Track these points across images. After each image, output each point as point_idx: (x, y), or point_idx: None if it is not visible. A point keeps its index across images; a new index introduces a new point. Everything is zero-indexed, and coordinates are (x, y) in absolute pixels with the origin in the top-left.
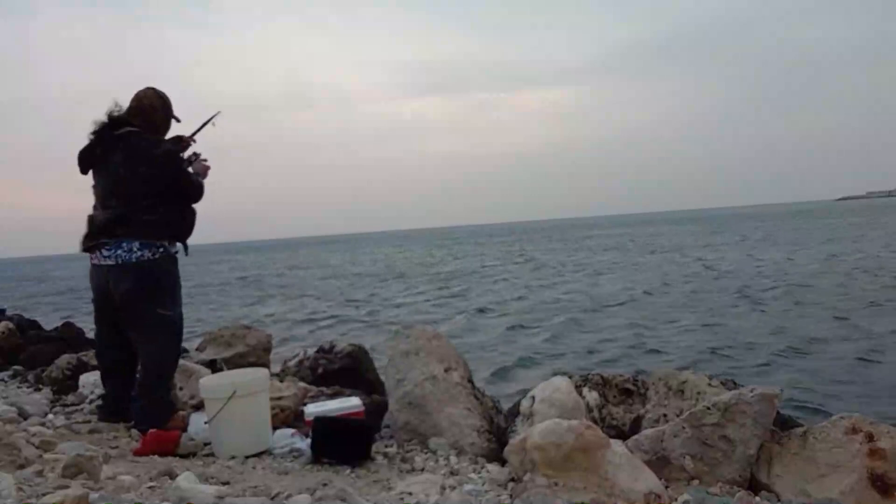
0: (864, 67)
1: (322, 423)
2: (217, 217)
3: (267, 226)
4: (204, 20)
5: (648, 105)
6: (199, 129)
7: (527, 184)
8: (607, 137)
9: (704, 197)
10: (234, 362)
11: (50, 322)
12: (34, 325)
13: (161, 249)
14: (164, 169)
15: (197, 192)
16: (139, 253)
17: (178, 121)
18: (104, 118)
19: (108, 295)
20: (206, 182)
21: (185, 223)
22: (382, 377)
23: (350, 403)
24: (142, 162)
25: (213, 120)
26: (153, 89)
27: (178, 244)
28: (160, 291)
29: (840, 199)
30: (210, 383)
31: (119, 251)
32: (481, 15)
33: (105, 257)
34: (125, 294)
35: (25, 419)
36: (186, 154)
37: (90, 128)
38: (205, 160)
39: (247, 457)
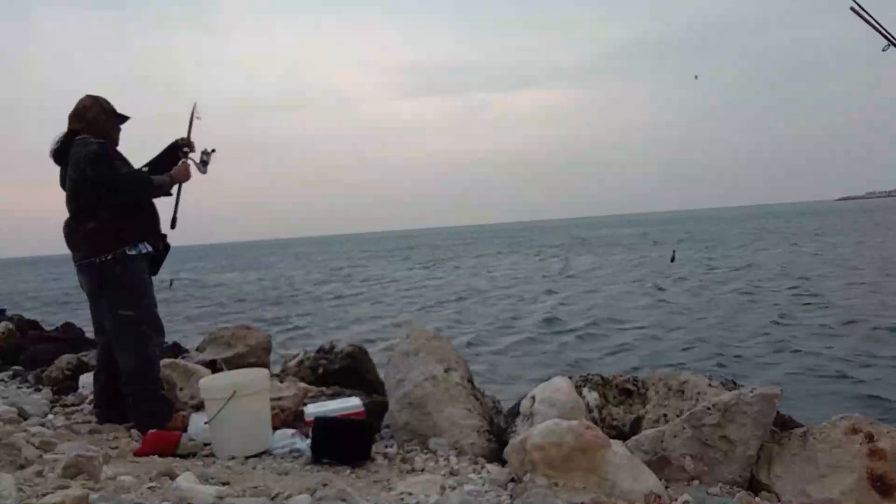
0: (864, 67)
1: (322, 423)
2: (216, 217)
3: (266, 226)
4: (203, 20)
5: (647, 105)
6: (190, 128)
7: (524, 184)
8: (606, 137)
9: (704, 197)
10: (235, 363)
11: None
12: (34, 325)
13: (118, 250)
14: (85, 172)
15: (131, 188)
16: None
17: (122, 117)
18: (56, 143)
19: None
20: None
21: (134, 223)
22: (382, 377)
23: (350, 403)
24: (73, 168)
25: (196, 114)
26: (86, 95)
27: (143, 244)
28: (117, 292)
29: (840, 200)
30: (210, 383)
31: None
32: (479, 15)
33: (76, 260)
34: (89, 295)
35: (25, 419)
36: (198, 156)
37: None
38: (212, 150)
39: (247, 457)
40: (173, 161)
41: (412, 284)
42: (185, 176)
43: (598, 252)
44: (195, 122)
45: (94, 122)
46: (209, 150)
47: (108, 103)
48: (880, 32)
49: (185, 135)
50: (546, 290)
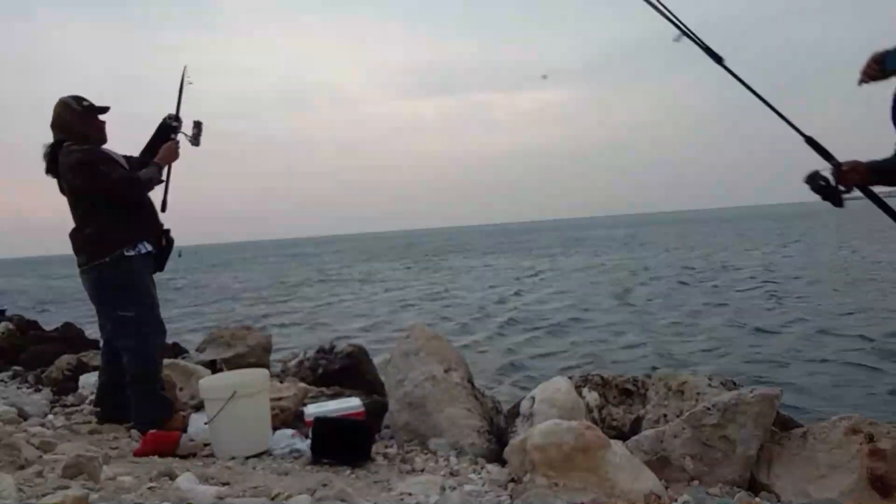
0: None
1: (322, 423)
2: (217, 217)
3: (266, 226)
4: (203, 20)
5: (647, 105)
6: (180, 97)
7: (524, 185)
8: (606, 138)
9: (705, 198)
10: (234, 363)
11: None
12: (34, 325)
13: (116, 252)
14: (73, 183)
15: (122, 192)
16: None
17: (100, 109)
18: (45, 156)
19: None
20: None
21: (131, 224)
22: (382, 378)
23: (350, 404)
24: (63, 177)
25: (188, 79)
26: (58, 100)
27: (143, 244)
28: (117, 293)
29: None
30: (210, 384)
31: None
32: (479, 16)
33: (79, 266)
34: (90, 298)
35: (25, 420)
36: (190, 129)
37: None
38: (201, 123)
39: (247, 457)
40: (167, 141)
41: (387, 287)
42: (173, 157)
43: (582, 254)
44: (186, 88)
45: (69, 126)
46: (200, 123)
47: (78, 102)
48: (671, 21)
49: (175, 104)
50: (503, 292)
